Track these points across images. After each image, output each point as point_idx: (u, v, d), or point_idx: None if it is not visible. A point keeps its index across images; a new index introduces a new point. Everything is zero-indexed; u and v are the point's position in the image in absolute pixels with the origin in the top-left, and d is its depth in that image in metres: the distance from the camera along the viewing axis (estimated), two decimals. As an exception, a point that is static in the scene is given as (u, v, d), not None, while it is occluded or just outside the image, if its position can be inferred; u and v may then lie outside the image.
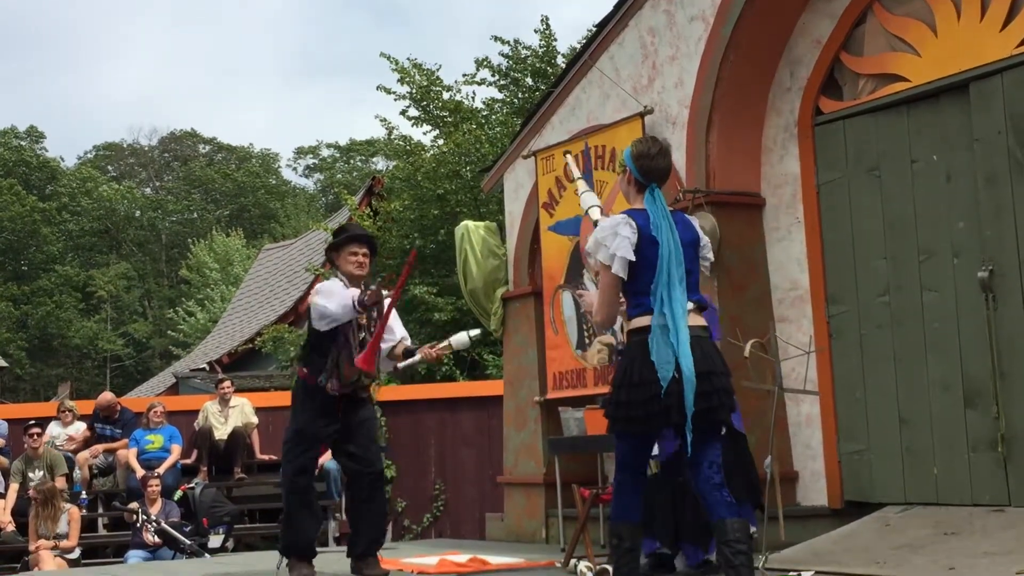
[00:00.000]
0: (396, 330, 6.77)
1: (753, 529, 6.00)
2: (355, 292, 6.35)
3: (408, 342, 6.82)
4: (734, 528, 4.48)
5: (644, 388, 4.48)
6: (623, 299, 4.80)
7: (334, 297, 6.36)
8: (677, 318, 4.49)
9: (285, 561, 6.69)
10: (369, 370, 6.46)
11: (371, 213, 18.61)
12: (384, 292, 6.38)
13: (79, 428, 12.30)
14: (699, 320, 4.66)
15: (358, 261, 6.62)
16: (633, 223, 4.61)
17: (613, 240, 4.59)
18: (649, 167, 4.72)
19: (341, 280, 6.58)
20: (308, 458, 6.66)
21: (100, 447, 12.04)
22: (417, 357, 6.72)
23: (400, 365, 6.91)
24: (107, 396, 12.61)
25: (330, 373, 6.48)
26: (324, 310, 6.34)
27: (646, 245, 4.58)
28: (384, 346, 6.69)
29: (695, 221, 4.87)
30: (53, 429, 12.14)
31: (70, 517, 10.54)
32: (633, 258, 4.57)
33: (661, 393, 4.42)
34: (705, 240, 4.85)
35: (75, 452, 11.96)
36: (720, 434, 4.68)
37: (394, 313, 6.76)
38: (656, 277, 4.54)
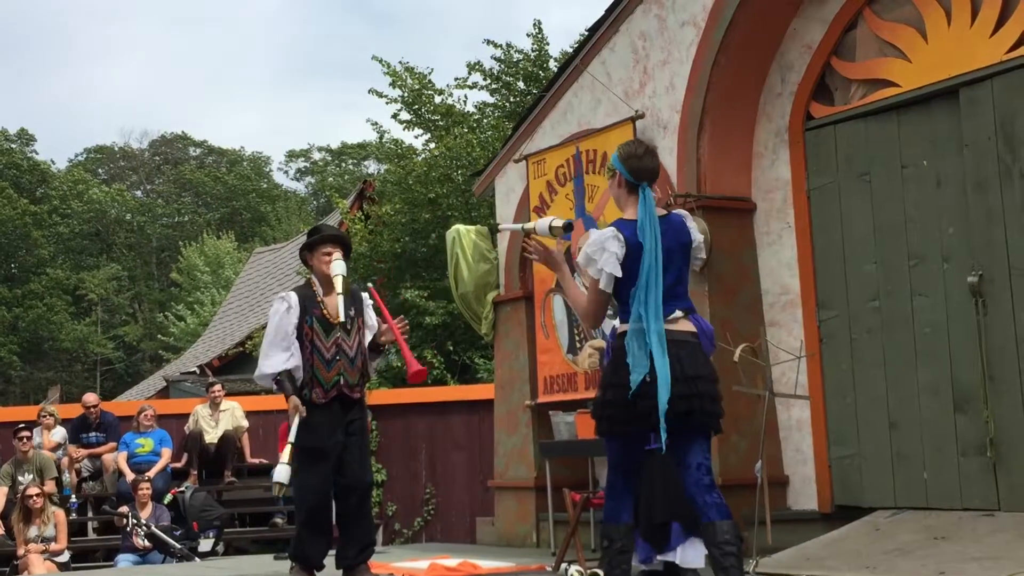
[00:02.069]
0: (376, 326, 6.84)
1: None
2: (280, 363, 6.44)
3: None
4: (723, 530, 4.50)
5: (625, 390, 4.52)
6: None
7: (264, 360, 6.49)
8: (651, 320, 4.51)
9: (291, 565, 6.71)
10: (421, 375, 6.52)
11: (362, 217, 18.61)
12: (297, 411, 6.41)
13: (60, 433, 12.26)
14: (687, 326, 4.68)
15: (330, 261, 6.63)
16: (621, 236, 4.63)
17: (601, 255, 4.63)
18: (638, 167, 4.74)
19: (285, 300, 6.60)
20: (318, 476, 6.50)
21: (83, 452, 12.00)
22: (386, 337, 6.75)
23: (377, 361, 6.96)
24: (91, 397, 12.58)
25: (310, 384, 6.49)
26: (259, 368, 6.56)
27: (634, 257, 4.60)
28: (368, 340, 6.77)
29: (690, 222, 4.85)
30: (36, 437, 12.08)
31: (56, 520, 10.51)
32: (620, 274, 4.61)
33: (629, 395, 4.46)
34: (698, 241, 4.83)
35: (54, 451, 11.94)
36: (708, 437, 4.70)
37: (371, 309, 6.81)
38: (637, 282, 4.56)
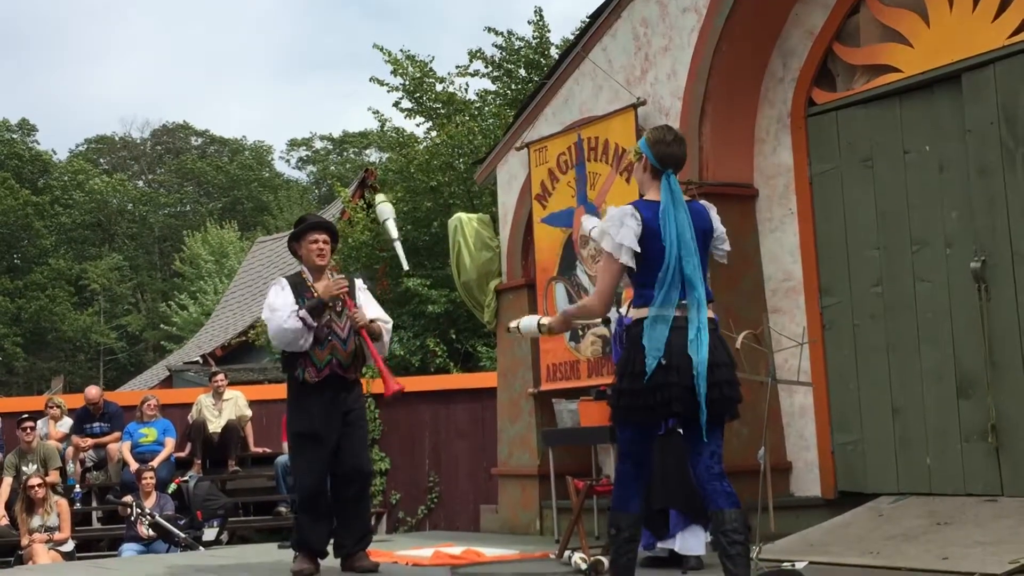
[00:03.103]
0: (371, 311, 6.83)
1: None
2: (292, 305, 6.48)
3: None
4: (731, 518, 4.47)
5: (642, 377, 4.49)
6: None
7: (277, 313, 6.52)
8: (701, 308, 4.50)
9: (295, 554, 6.71)
10: (398, 388, 6.56)
11: (364, 205, 18.59)
12: (337, 287, 6.48)
13: (67, 424, 12.28)
14: (707, 312, 4.66)
15: (319, 249, 6.74)
16: (638, 215, 4.59)
17: (619, 230, 4.58)
18: (665, 153, 4.70)
19: (279, 283, 6.71)
20: (315, 460, 6.54)
21: (88, 442, 12.02)
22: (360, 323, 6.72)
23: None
24: (94, 390, 12.60)
25: (303, 363, 6.50)
26: (275, 333, 6.56)
27: (650, 238, 4.56)
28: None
29: (713, 212, 4.82)
30: (42, 427, 12.10)
31: (59, 509, 10.54)
32: (638, 248, 4.57)
33: (645, 380, 4.44)
34: (720, 230, 4.81)
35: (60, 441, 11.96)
36: (723, 425, 4.69)
37: (363, 293, 6.82)
38: (664, 266, 4.51)
